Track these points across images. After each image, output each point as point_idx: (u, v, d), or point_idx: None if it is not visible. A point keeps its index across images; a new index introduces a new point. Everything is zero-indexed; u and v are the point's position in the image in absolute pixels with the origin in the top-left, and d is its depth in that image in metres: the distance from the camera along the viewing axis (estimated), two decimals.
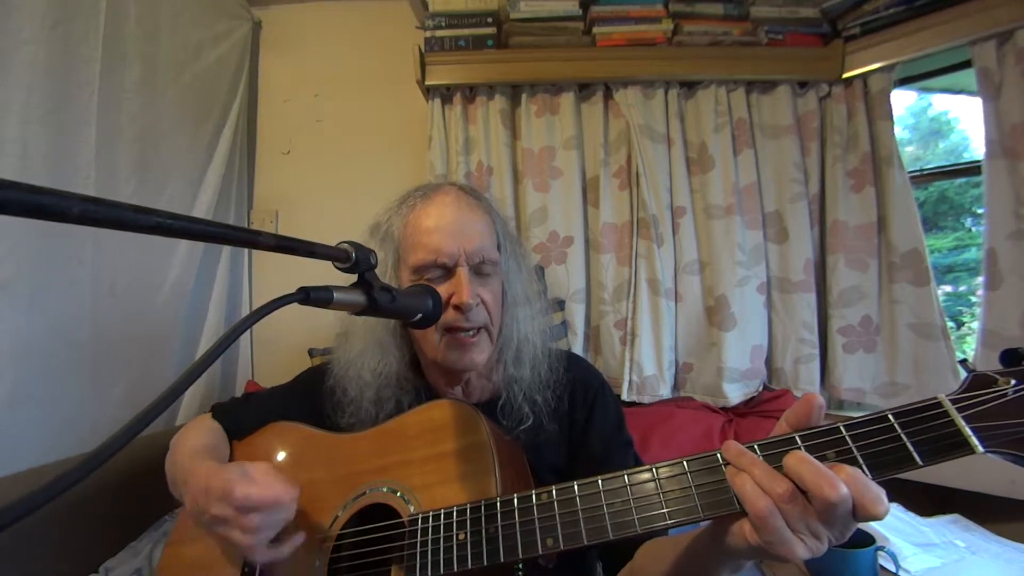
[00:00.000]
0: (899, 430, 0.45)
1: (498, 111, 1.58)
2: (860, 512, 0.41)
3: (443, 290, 0.70)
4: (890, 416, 0.45)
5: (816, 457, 0.45)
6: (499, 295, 0.77)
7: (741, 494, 0.44)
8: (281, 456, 0.78)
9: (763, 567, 0.91)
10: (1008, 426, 0.42)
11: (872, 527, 0.99)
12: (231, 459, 0.79)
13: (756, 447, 0.47)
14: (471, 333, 0.72)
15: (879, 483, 0.42)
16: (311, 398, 0.82)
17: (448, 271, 0.72)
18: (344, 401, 0.77)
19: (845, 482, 0.40)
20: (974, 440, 0.42)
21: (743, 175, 1.53)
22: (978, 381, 0.45)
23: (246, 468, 0.61)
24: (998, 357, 0.48)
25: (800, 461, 0.42)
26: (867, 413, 0.47)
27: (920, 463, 0.43)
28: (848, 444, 0.45)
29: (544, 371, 0.80)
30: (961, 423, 0.43)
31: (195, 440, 0.77)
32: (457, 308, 0.70)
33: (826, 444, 0.46)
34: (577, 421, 0.81)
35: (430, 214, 0.72)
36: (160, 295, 1.37)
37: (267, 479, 0.60)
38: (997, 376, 0.45)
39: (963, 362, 0.49)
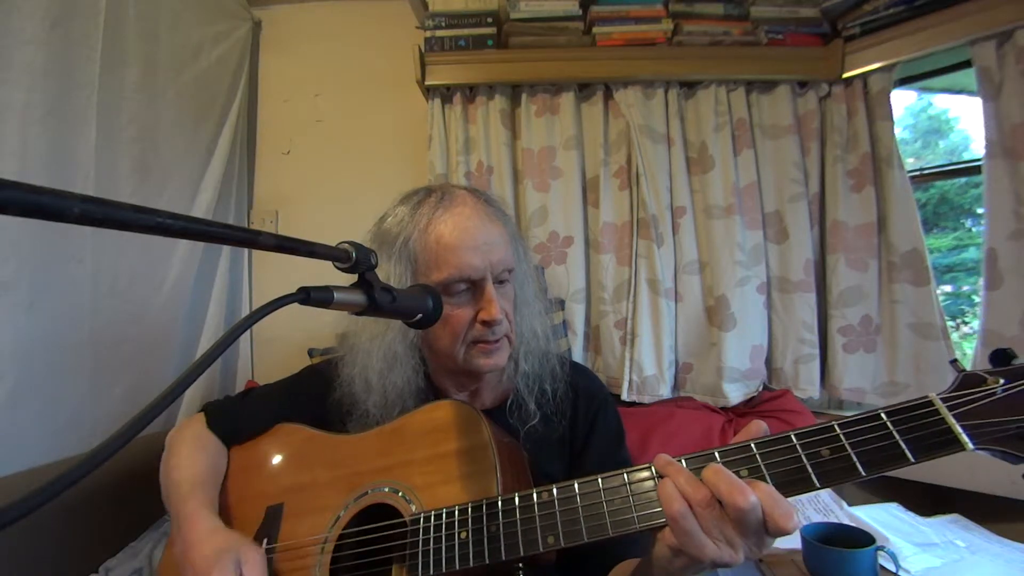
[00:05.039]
0: (891, 427, 0.46)
1: (498, 111, 1.58)
2: (770, 524, 0.43)
3: (469, 307, 0.71)
4: (882, 414, 0.47)
5: (810, 452, 0.47)
6: (513, 299, 0.78)
7: (661, 498, 0.48)
8: (283, 458, 0.78)
9: (762, 567, 0.91)
10: (997, 424, 0.44)
11: (872, 527, 0.99)
12: (229, 466, 0.79)
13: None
14: (494, 341, 0.73)
15: (873, 479, 0.44)
16: (315, 403, 0.81)
17: (473, 285, 0.72)
18: (355, 412, 0.77)
19: (757, 494, 0.43)
20: (964, 437, 0.44)
21: (743, 175, 1.53)
22: (968, 380, 0.47)
23: (243, 565, 0.59)
24: (988, 357, 0.49)
25: (716, 472, 0.46)
26: (860, 411, 0.48)
27: (912, 460, 0.44)
28: (842, 441, 0.47)
29: (552, 363, 0.81)
30: (952, 421, 0.45)
31: (190, 462, 0.75)
32: (485, 323, 0.71)
33: (820, 441, 0.47)
34: (578, 432, 0.81)
35: (451, 228, 0.71)
36: (160, 295, 1.37)
37: None
38: (987, 376, 0.47)
39: (953, 362, 0.50)
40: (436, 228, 0.71)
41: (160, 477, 0.77)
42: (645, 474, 0.52)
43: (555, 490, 0.55)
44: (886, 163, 1.42)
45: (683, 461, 0.51)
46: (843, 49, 1.46)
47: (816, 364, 1.47)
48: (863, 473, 0.45)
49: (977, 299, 1.75)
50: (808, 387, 1.46)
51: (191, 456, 0.76)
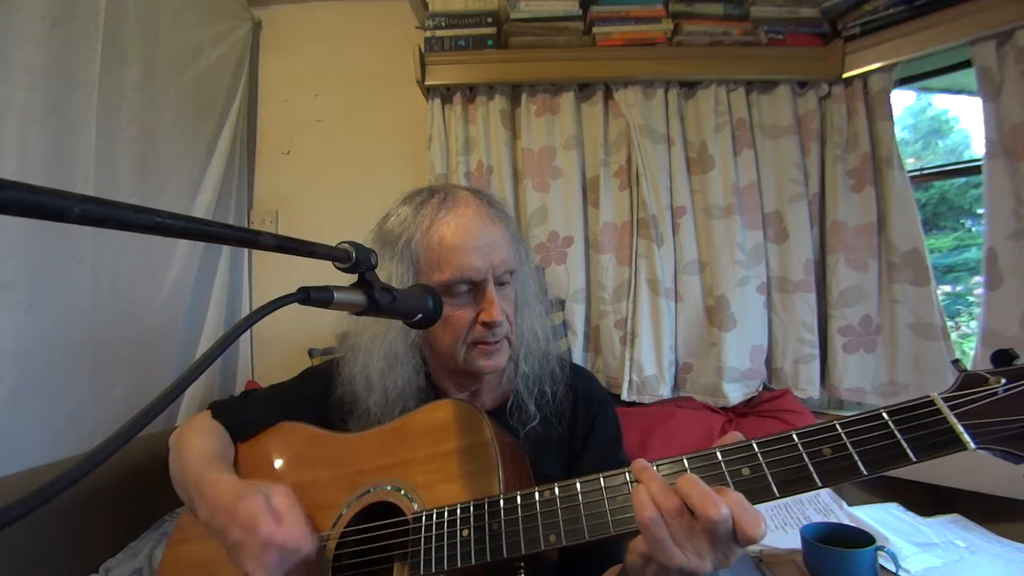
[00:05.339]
0: (893, 427, 0.46)
1: (498, 111, 1.58)
2: (739, 533, 0.43)
3: (470, 308, 0.72)
4: (884, 414, 0.47)
5: (812, 451, 0.47)
6: (514, 300, 0.78)
7: (633, 504, 0.48)
8: (285, 457, 0.78)
9: (762, 567, 0.91)
10: (998, 423, 0.44)
11: (872, 527, 0.99)
12: (236, 461, 0.79)
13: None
14: (495, 342, 0.74)
15: (873, 479, 0.44)
16: (316, 403, 0.82)
17: (475, 286, 0.72)
18: (356, 412, 0.77)
19: (727, 504, 0.44)
20: (966, 437, 0.44)
21: (743, 175, 1.53)
22: (970, 380, 0.47)
23: (271, 497, 0.61)
24: (989, 358, 0.49)
25: (689, 483, 0.46)
26: (861, 411, 0.48)
27: (913, 459, 0.45)
28: (843, 440, 0.47)
29: (552, 365, 0.82)
30: (953, 420, 0.45)
31: (202, 443, 0.76)
32: (485, 324, 0.71)
33: (822, 440, 0.47)
34: (577, 434, 0.82)
35: (453, 229, 0.71)
36: (160, 295, 1.37)
37: (293, 519, 0.60)
38: (988, 375, 0.47)
39: (955, 362, 0.50)
40: (438, 229, 0.71)
41: (171, 471, 0.77)
42: None
43: (557, 489, 0.55)
44: (886, 163, 1.42)
45: (684, 460, 0.51)
46: (843, 49, 1.46)
47: (816, 364, 1.47)
48: (864, 472, 0.45)
49: (972, 299, 1.75)
50: (808, 387, 1.46)
51: (201, 440, 0.77)
